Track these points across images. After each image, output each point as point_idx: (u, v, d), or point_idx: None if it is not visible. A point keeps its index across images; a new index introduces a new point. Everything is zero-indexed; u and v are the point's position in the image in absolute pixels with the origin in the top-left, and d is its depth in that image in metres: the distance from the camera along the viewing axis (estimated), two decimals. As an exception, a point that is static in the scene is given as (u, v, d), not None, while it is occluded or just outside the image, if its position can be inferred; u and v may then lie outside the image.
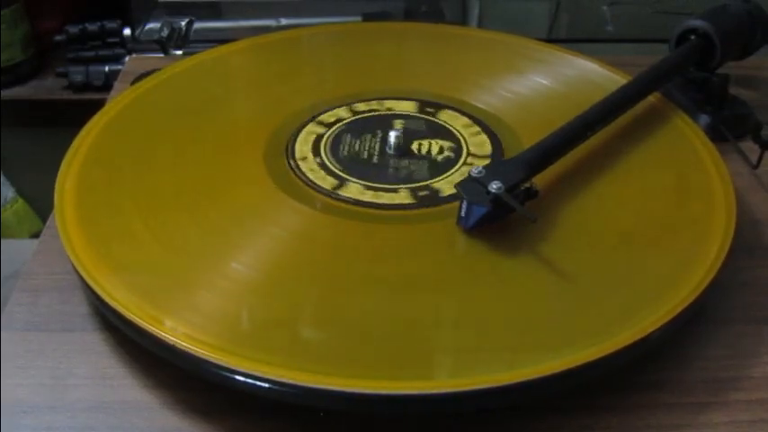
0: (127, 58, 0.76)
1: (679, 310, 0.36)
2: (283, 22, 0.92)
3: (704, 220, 0.42)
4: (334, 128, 0.49)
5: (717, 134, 0.52)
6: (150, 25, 0.92)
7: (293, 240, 0.41)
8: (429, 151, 0.47)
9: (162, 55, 0.79)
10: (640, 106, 0.51)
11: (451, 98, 0.53)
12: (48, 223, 0.45)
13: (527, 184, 0.41)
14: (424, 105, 0.52)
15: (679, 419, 0.36)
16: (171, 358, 0.35)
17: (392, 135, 0.47)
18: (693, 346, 0.39)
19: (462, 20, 0.95)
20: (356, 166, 0.46)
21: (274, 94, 0.54)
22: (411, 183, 0.45)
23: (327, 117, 0.50)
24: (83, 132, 0.47)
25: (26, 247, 0.68)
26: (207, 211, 0.43)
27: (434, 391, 0.33)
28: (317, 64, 0.60)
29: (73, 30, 0.97)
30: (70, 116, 0.54)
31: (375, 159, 0.46)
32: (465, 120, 0.50)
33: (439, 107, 0.52)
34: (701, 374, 0.38)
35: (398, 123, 0.49)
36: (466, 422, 0.36)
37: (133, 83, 0.58)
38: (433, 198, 0.44)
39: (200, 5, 0.92)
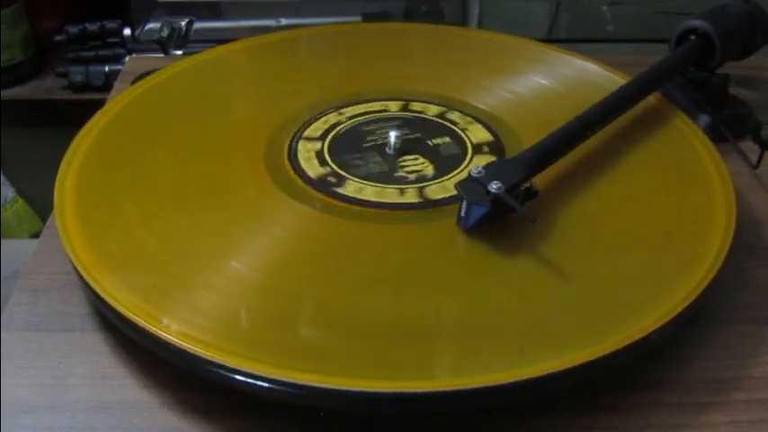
0: (127, 58, 0.76)
1: (679, 309, 0.36)
2: (283, 22, 0.92)
3: (704, 221, 0.42)
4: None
5: (717, 134, 0.52)
6: (150, 25, 0.92)
7: (293, 240, 0.41)
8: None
9: (162, 55, 0.79)
10: (640, 106, 0.51)
11: (452, 98, 0.53)
12: (48, 223, 0.45)
13: (527, 184, 0.41)
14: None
15: (679, 419, 0.36)
16: (171, 358, 0.35)
17: (392, 135, 0.47)
18: (693, 346, 0.39)
19: (462, 20, 0.95)
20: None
21: (274, 94, 0.54)
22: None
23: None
24: (82, 132, 0.47)
25: (26, 247, 0.68)
26: (207, 210, 0.43)
27: (434, 390, 0.33)
28: (316, 64, 0.60)
29: (73, 30, 0.97)
30: (70, 116, 0.54)
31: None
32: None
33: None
34: (701, 374, 0.38)
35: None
36: (466, 422, 0.36)
37: (133, 83, 0.58)
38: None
39: (200, 5, 0.92)
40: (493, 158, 0.46)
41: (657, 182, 0.46)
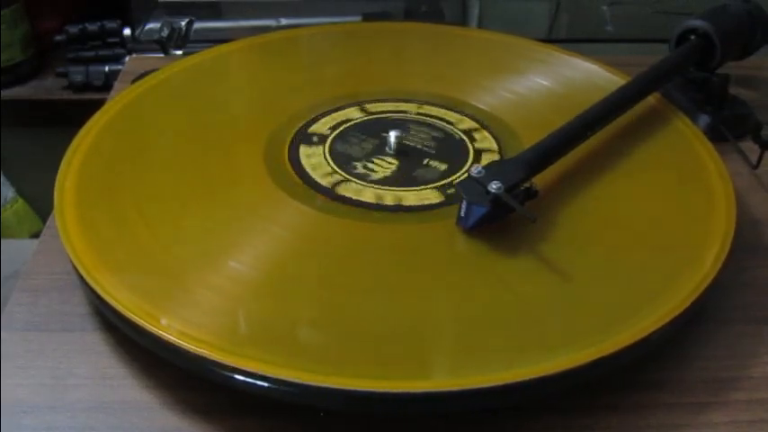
0: (127, 58, 0.76)
1: (679, 310, 0.36)
2: (283, 22, 0.92)
3: (704, 220, 0.42)
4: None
5: (717, 134, 0.52)
6: (150, 25, 0.92)
7: (293, 240, 0.41)
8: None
9: (162, 55, 0.79)
10: (640, 107, 0.51)
11: (452, 98, 0.53)
12: (48, 223, 0.45)
13: (527, 184, 0.41)
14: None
15: (679, 419, 0.36)
16: (171, 358, 0.35)
17: (392, 135, 0.47)
18: (693, 346, 0.39)
19: (462, 20, 0.95)
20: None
21: (274, 93, 0.54)
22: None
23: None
24: (82, 132, 0.47)
25: (26, 247, 0.68)
26: (207, 210, 0.43)
27: (434, 391, 0.33)
28: (316, 64, 0.60)
29: (73, 30, 0.97)
30: (70, 116, 0.54)
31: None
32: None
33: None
34: (701, 374, 0.38)
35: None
36: (465, 421, 0.36)
37: (133, 83, 0.58)
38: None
39: (200, 5, 0.92)
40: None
41: (657, 182, 0.46)
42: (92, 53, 0.98)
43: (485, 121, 0.50)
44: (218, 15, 0.93)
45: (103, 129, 0.48)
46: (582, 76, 0.55)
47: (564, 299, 0.38)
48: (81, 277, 0.38)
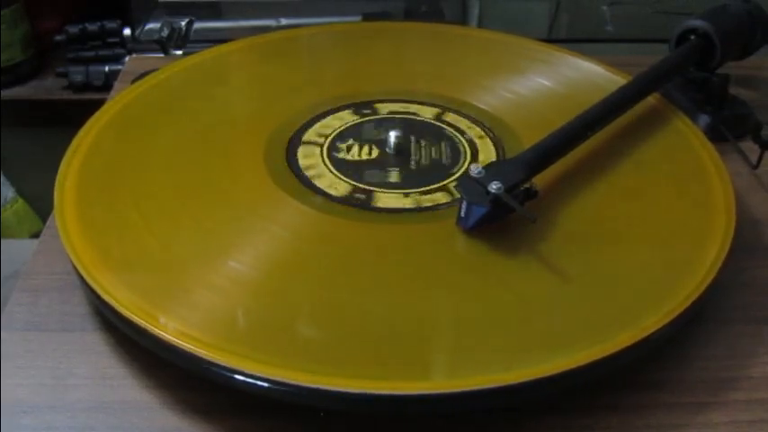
0: (127, 58, 0.76)
1: (679, 310, 0.36)
2: (283, 22, 0.92)
3: (704, 220, 0.42)
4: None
5: (717, 134, 0.52)
6: (150, 25, 0.92)
7: (293, 240, 0.41)
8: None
9: (162, 55, 0.79)
10: (640, 107, 0.51)
11: (451, 98, 0.53)
12: (48, 223, 0.45)
13: (527, 185, 0.41)
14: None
15: (679, 419, 0.36)
16: (171, 358, 0.35)
17: (392, 136, 0.47)
18: (693, 346, 0.39)
19: (462, 20, 0.95)
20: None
21: (274, 93, 0.54)
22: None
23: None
24: (82, 132, 0.47)
25: (26, 247, 0.68)
26: (207, 210, 0.43)
27: (433, 392, 0.33)
28: (316, 64, 0.60)
29: (73, 30, 0.97)
30: (70, 116, 0.54)
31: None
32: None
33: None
34: (701, 374, 0.38)
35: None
36: (465, 422, 0.36)
37: (133, 83, 0.58)
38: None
39: (200, 5, 0.92)
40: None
41: (657, 182, 0.46)
42: (92, 53, 0.98)
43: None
44: (218, 15, 0.93)
45: (103, 129, 0.48)
46: (582, 76, 0.55)
47: (564, 299, 0.38)
48: (81, 277, 0.38)
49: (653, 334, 0.35)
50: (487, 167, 0.41)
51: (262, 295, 0.38)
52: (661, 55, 0.54)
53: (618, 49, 0.89)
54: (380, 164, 0.46)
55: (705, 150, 0.48)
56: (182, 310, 0.36)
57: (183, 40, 0.85)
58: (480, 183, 0.40)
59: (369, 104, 0.52)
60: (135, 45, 0.95)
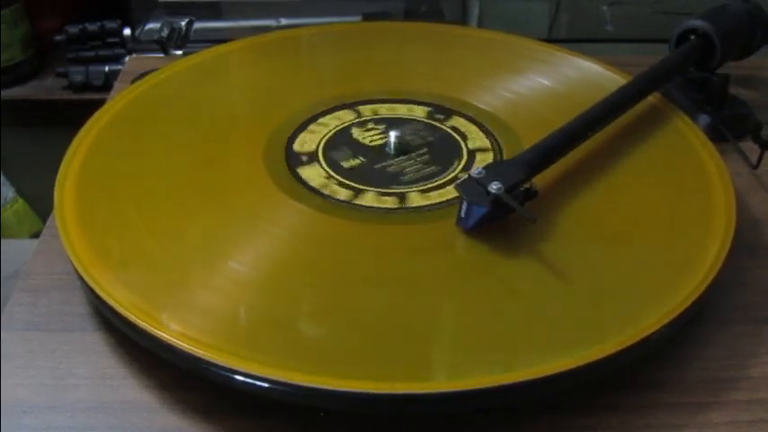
0: (127, 58, 0.76)
1: (680, 310, 0.36)
2: (283, 22, 0.92)
3: (704, 221, 0.42)
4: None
5: (717, 134, 0.52)
6: (150, 25, 0.92)
7: (293, 240, 0.41)
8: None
9: (162, 55, 0.79)
10: (640, 106, 0.51)
11: (451, 98, 0.53)
12: (48, 223, 0.45)
13: (527, 185, 0.41)
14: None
15: (679, 419, 0.36)
16: (171, 358, 0.35)
17: (392, 136, 0.47)
18: (693, 346, 0.39)
19: (462, 20, 0.95)
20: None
21: (274, 93, 0.54)
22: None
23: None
24: (82, 132, 0.47)
25: (26, 247, 0.68)
26: (206, 210, 0.43)
27: (433, 392, 0.33)
28: (316, 64, 0.60)
29: (73, 30, 0.97)
30: (70, 116, 0.54)
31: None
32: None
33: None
34: (701, 374, 0.38)
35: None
36: (465, 421, 0.36)
37: (133, 83, 0.58)
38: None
39: (200, 5, 0.92)
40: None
41: (657, 182, 0.46)
42: (92, 53, 0.98)
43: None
44: (218, 15, 0.93)
45: (103, 129, 0.48)
46: (582, 76, 0.55)
47: (564, 299, 0.38)
48: (81, 277, 0.38)
49: (653, 334, 0.35)
50: (487, 168, 0.41)
51: (261, 295, 0.38)
52: (661, 55, 0.54)
53: (618, 49, 0.89)
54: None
55: (705, 150, 0.48)
56: (181, 310, 0.36)
57: (183, 40, 0.85)
58: (480, 183, 0.40)
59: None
60: (135, 45, 0.95)
